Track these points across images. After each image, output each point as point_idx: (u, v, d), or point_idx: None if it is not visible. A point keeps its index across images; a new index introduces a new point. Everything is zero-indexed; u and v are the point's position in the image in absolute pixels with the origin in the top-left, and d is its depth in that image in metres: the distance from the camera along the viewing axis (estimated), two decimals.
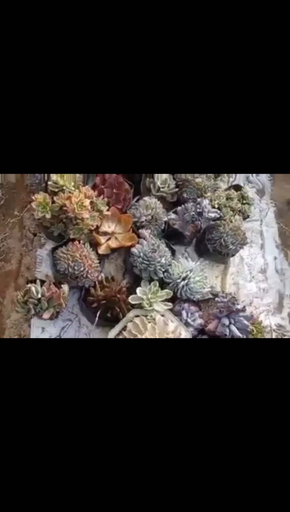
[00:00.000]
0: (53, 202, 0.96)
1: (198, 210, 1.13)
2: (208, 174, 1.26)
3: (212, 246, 1.18)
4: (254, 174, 1.49)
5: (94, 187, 1.11)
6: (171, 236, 1.20)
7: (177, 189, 1.21)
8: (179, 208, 1.16)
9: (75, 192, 0.96)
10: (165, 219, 1.15)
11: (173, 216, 1.16)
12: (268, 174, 1.49)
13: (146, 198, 1.15)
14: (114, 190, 1.10)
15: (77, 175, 1.05)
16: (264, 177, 1.49)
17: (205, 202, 1.14)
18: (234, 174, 1.44)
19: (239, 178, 1.46)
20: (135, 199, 1.17)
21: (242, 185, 1.46)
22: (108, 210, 1.04)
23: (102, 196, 1.04)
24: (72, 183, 0.98)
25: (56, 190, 0.96)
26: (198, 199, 1.14)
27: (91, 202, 1.00)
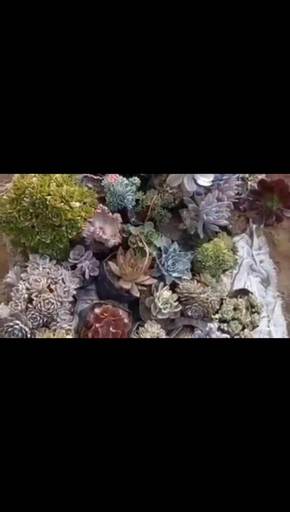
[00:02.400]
0: None
1: None
2: (214, 282, 1.12)
3: None
4: (258, 262, 1.36)
5: (87, 327, 0.95)
6: None
7: (180, 307, 1.07)
8: None
9: None
10: None
11: None
12: (272, 262, 1.38)
13: (147, 327, 1.00)
14: (111, 329, 0.94)
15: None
16: (268, 265, 1.37)
17: (214, 329, 1.01)
18: (237, 267, 1.31)
19: (243, 269, 1.33)
20: (135, 327, 1.02)
21: (245, 275, 1.35)
22: None
23: (98, 334, 0.89)
24: None
25: None
26: (207, 329, 1.01)
27: None
